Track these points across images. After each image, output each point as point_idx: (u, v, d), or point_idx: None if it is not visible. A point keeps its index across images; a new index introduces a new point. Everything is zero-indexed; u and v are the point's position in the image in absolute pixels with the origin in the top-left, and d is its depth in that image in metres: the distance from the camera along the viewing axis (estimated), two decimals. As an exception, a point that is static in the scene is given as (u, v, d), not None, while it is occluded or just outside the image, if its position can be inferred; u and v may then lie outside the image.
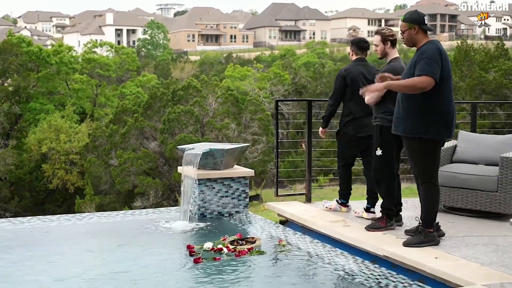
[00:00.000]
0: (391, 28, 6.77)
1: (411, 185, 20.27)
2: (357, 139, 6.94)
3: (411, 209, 7.34)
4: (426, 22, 5.66)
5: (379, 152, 6.26)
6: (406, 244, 5.59)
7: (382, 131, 6.25)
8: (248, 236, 6.34)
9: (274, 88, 41.72)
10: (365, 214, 6.86)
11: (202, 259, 5.64)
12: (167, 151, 25.32)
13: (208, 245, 6.01)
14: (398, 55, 6.49)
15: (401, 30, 5.72)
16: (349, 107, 6.93)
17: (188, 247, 5.96)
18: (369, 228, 6.23)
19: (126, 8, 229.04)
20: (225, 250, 5.90)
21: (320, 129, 7.24)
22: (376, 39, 6.45)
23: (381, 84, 5.70)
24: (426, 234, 5.63)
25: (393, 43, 6.46)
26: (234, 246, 5.96)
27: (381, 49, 6.42)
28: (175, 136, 25.39)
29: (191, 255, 5.77)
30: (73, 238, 6.56)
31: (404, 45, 6.63)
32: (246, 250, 5.87)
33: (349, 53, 7.12)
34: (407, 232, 6.03)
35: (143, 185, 25.71)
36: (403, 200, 7.98)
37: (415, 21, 5.60)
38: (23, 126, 39.15)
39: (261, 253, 5.89)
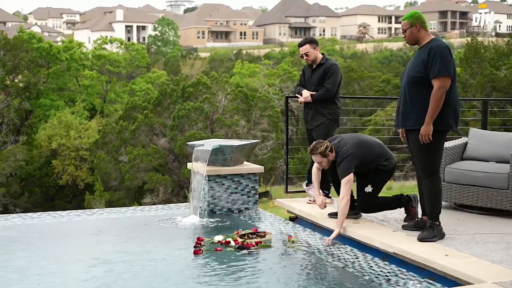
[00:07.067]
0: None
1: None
2: None
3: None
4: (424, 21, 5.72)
5: (369, 189, 6.22)
6: (421, 239, 5.57)
7: (379, 171, 6.22)
8: (259, 231, 6.35)
9: (284, 84, 41.68)
10: (328, 200, 7.14)
11: (202, 250, 5.67)
12: (176, 148, 25.36)
13: (219, 237, 6.05)
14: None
15: (402, 29, 5.78)
16: None
17: (198, 239, 6.01)
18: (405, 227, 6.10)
19: (136, 4, 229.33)
20: (232, 243, 5.92)
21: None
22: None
23: (426, 131, 5.49)
24: (436, 227, 5.67)
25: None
26: (243, 240, 5.97)
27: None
28: (184, 132, 25.42)
29: (195, 247, 5.81)
30: (82, 233, 6.59)
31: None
32: (254, 243, 5.88)
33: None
34: (404, 227, 6.06)
35: (153, 182, 25.77)
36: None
37: (416, 19, 5.66)
38: (33, 122, 39.32)
39: (268, 246, 5.89)
